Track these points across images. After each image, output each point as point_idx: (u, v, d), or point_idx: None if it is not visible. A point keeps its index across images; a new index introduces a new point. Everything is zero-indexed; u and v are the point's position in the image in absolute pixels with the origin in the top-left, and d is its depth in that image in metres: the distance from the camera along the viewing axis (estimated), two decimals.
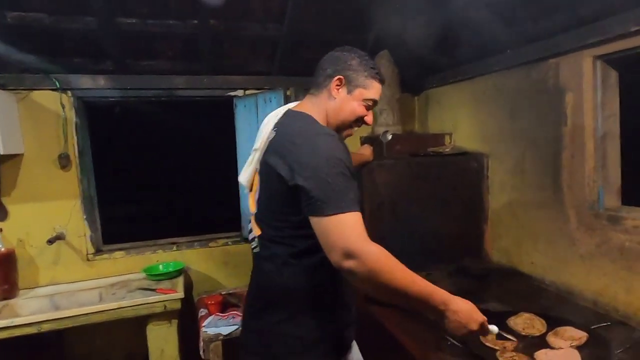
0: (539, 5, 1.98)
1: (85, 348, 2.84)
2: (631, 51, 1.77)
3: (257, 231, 1.32)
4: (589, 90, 1.97)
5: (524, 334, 1.67)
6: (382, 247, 1.09)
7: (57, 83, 2.64)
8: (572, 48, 2.00)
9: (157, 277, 2.70)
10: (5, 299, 2.42)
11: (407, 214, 2.50)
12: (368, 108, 1.39)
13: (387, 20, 2.57)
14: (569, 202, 2.12)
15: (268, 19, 2.61)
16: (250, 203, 1.38)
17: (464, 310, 1.19)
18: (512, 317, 1.76)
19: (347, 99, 1.35)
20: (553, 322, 1.72)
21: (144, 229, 3.50)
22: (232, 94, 3.05)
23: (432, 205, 2.56)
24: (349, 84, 1.34)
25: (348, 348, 1.36)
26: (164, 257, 2.97)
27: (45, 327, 2.19)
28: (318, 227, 1.11)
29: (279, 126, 1.33)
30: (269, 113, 2.72)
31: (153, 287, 2.52)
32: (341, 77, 1.33)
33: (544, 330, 1.69)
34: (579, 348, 1.54)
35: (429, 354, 1.60)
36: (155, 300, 2.37)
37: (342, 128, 1.39)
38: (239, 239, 3.15)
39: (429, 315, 1.25)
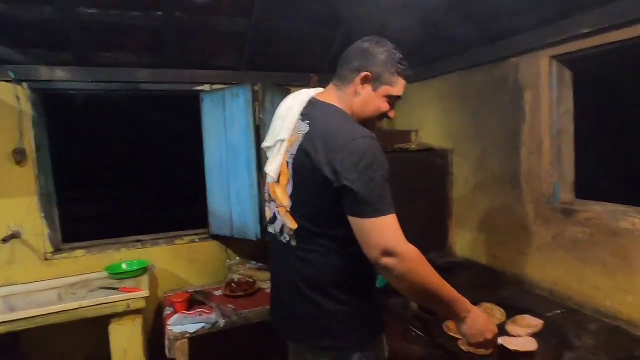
0: (501, 6, 2.04)
1: (44, 351, 2.72)
2: (584, 52, 1.86)
3: (292, 224, 1.30)
4: (545, 89, 2.05)
5: None
6: (418, 249, 1.16)
7: (12, 74, 2.52)
8: (531, 48, 2.08)
9: (121, 275, 2.62)
10: None
11: None
12: (392, 103, 1.39)
13: (357, 17, 2.60)
14: (528, 196, 2.21)
15: (236, 13, 2.57)
16: (280, 195, 1.34)
17: (481, 320, 1.28)
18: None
19: (372, 96, 1.33)
20: (512, 311, 1.79)
21: (108, 227, 3.39)
22: (199, 88, 3.00)
23: (398, 200, 2.59)
24: (375, 81, 1.31)
25: (384, 327, 1.39)
26: (128, 255, 2.89)
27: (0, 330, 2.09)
28: (359, 228, 1.15)
29: (311, 119, 1.29)
30: (236, 108, 2.76)
31: (116, 286, 2.45)
32: (368, 73, 1.30)
33: (503, 319, 1.76)
34: (535, 335, 1.62)
35: (394, 344, 1.62)
36: (117, 299, 2.30)
37: (367, 123, 1.37)
38: (206, 236, 3.10)
39: (450, 319, 1.36)
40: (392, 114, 1.40)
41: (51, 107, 2.82)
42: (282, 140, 1.33)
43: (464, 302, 1.26)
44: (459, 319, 1.27)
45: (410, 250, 1.14)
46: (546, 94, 2.06)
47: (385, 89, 1.33)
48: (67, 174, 3.18)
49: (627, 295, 1.74)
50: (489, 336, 1.29)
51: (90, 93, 2.83)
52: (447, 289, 1.22)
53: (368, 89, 1.32)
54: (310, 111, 1.33)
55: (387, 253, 1.11)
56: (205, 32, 2.66)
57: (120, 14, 2.40)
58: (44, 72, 2.61)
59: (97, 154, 4.24)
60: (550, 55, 2.01)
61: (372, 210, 1.13)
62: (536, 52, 2.07)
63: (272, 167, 1.36)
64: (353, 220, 1.17)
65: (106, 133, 4.21)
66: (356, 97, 1.33)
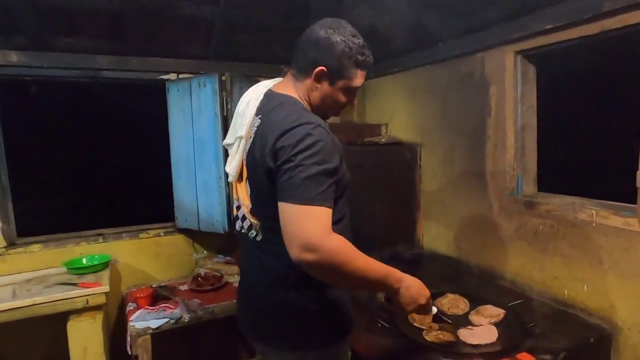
0: (468, 0, 2.06)
1: None
2: (547, 48, 1.90)
3: (256, 221, 1.27)
4: (510, 84, 2.09)
5: (449, 313, 1.76)
6: (341, 237, 1.08)
7: None
8: (496, 43, 2.12)
9: (80, 270, 2.51)
10: None
11: None
12: (352, 93, 1.33)
13: (326, 7, 2.57)
14: (492, 189, 2.25)
15: None
16: (241, 194, 1.30)
17: (414, 286, 1.26)
18: (439, 298, 1.85)
19: (330, 90, 1.27)
20: (475, 302, 1.83)
21: (68, 221, 3.24)
22: (164, 77, 2.90)
23: (368, 193, 2.61)
24: (332, 76, 1.24)
25: (352, 326, 1.35)
26: (88, 249, 2.77)
27: None
28: (282, 215, 1.08)
29: (263, 112, 1.25)
30: (203, 98, 2.69)
31: (74, 282, 2.34)
32: (323, 68, 1.23)
33: (467, 310, 1.80)
34: (497, 324, 1.66)
35: (360, 335, 1.63)
36: (75, 295, 2.20)
37: (327, 114, 1.33)
38: (172, 229, 3.02)
39: (383, 293, 1.33)
40: (354, 102, 1.36)
41: (4, 94, 2.66)
42: (241, 137, 1.29)
43: (394, 274, 1.21)
44: (393, 291, 1.23)
45: (332, 244, 1.05)
46: (511, 89, 2.10)
47: (343, 82, 1.26)
48: (22, 166, 3.01)
49: (583, 284, 1.81)
50: (423, 301, 1.28)
51: (46, 80, 2.69)
52: (376, 270, 1.16)
53: (325, 83, 1.26)
54: (264, 104, 1.28)
55: (307, 248, 1.03)
56: (169, 18, 2.57)
57: None
58: None
59: (56, 144, 4.05)
60: (515, 51, 2.05)
61: (297, 195, 1.05)
62: (501, 47, 2.11)
63: (232, 166, 1.32)
64: (279, 207, 1.09)
65: (66, 123, 4.02)
66: (313, 90, 1.28)
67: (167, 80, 2.90)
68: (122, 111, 3.95)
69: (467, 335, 1.58)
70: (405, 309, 1.29)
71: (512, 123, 2.11)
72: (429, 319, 1.51)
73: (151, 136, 3.24)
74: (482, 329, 1.63)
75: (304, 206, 1.04)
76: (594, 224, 1.75)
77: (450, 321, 1.60)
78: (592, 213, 1.75)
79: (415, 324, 1.64)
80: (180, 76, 2.92)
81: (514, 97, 2.10)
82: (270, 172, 1.13)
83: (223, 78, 2.67)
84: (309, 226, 1.04)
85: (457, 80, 2.44)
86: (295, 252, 1.05)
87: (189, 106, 2.80)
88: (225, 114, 2.68)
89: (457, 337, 1.57)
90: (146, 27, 2.58)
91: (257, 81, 1.44)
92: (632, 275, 1.62)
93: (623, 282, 1.66)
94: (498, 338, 1.56)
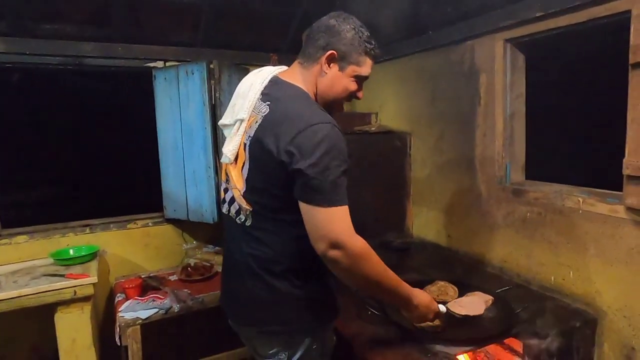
0: None
1: None
2: (536, 35, 1.90)
3: (247, 206, 1.26)
4: (500, 72, 2.09)
5: (438, 300, 1.77)
6: (364, 240, 1.14)
7: None
8: (486, 31, 2.11)
9: (67, 262, 2.48)
10: None
11: None
12: (359, 83, 1.32)
13: None
14: (481, 177, 2.27)
15: None
16: (235, 177, 1.29)
17: (423, 304, 1.33)
18: (428, 286, 1.86)
19: (338, 76, 1.27)
20: (464, 288, 1.84)
21: (55, 211, 3.19)
22: (151, 65, 2.85)
23: (357, 182, 2.60)
24: (342, 60, 1.25)
25: (338, 312, 1.38)
26: (75, 240, 2.74)
27: None
28: (308, 215, 1.12)
29: (272, 99, 1.24)
30: (191, 86, 2.65)
31: (62, 273, 2.31)
32: (334, 51, 1.23)
33: (455, 296, 1.81)
34: (485, 310, 1.67)
35: (350, 322, 1.64)
36: (63, 286, 2.18)
37: (333, 104, 1.32)
38: (161, 219, 2.99)
39: (394, 304, 1.39)
40: (360, 94, 1.35)
41: None
42: (242, 120, 1.28)
43: (405, 288, 1.29)
44: (402, 303, 1.31)
45: (357, 243, 1.12)
46: (500, 77, 2.10)
47: (352, 69, 1.27)
48: (6, 156, 2.95)
49: (569, 271, 1.84)
50: (430, 317, 1.37)
51: (29, 67, 2.62)
52: (390, 279, 1.23)
53: (334, 68, 1.26)
54: (272, 91, 1.27)
55: (335, 245, 1.09)
56: (156, 3, 2.52)
57: None
58: None
59: (40, 133, 3.96)
60: (505, 39, 2.05)
61: (323, 200, 1.10)
62: (491, 35, 2.10)
63: (230, 148, 1.30)
64: (303, 206, 1.13)
65: (50, 111, 3.93)
66: (321, 76, 1.27)
67: (154, 68, 2.85)
68: (108, 100, 3.88)
69: (455, 306, 1.63)
70: (414, 323, 1.38)
71: (502, 111, 2.11)
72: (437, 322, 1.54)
73: (139, 125, 3.19)
74: (470, 300, 1.67)
75: (333, 208, 1.10)
76: (580, 211, 1.77)
77: (460, 315, 1.62)
78: (579, 200, 1.77)
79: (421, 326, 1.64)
80: (168, 64, 2.87)
81: (503, 85, 2.10)
82: (282, 165, 1.13)
83: (211, 66, 2.63)
84: (337, 226, 1.11)
85: (447, 68, 2.44)
86: (322, 248, 1.11)
87: (176, 95, 2.75)
88: (213, 103, 2.65)
89: (445, 324, 1.58)
90: (132, 12, 2.53)
91: (247, 70, 1.42)
92: (617, 261, 1.65)
93: (608, 268, 1.69)
94: (484, 313, 1.62)
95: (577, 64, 2.50)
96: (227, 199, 1.35)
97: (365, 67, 1.29)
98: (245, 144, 1.26)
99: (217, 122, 1.46)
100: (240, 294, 1.34)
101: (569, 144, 2.78)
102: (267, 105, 1.23)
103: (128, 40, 2.71)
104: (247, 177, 1.25)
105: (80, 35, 2.59)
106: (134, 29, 2.65)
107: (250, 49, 3.06)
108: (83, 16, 2.50)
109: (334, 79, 1.27)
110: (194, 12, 2.66)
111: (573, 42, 2.04)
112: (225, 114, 1.37)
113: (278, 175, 1.15)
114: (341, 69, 1.26)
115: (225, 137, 1.36)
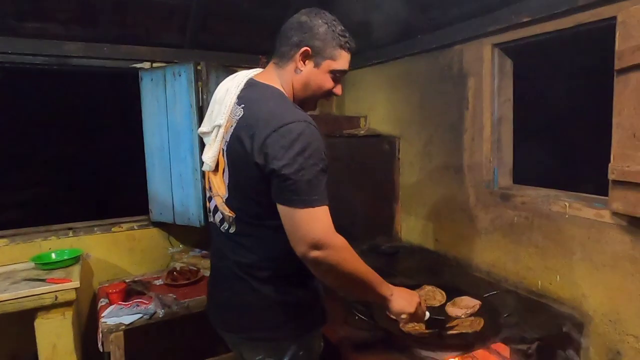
0: None
1: None
2: (523, 40, 1.91)
3: (230, 213, 1.23)
4: (487, 76, 2.10)
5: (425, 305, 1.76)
6: (345, 240, 1.12)
7: None
8: (474, 35, 2.12)
9: (49, 266, 2.42)
10: None
11: None
12: (337, 79, 1.28)
13: None
14: (469, 182, 2.27)
15: None
16: (216, 184, 1.26)
17: (402, 296, 1.31)
18: (416, 290, 1.84)
19: (314, 72, 1.24)
20: (452, 293, 1.84)
21: (37, 214, 3.12)
22: (138, 65, 2.81)
23: (346, 186, 2.60)
24: (316, 56, 1.22)
25: (325, 318, 1.35)
26: (58, 244, 2.67)
27: None
28: (286, 217, 1.10)
29: (246, 102, 1.21)
30: (178, 87, 2.61)
31: (43, 277, 2.25)
32: (307, 48, 1.21)
33: (443, 301, 1.81)
34: (473, 315, 1.67)
35: (337, 327, 1.62)
36: (43, 291, 2.12)
37: (310, 102, 1.30)
38: (146, 223, 2.94)
39: (376, 302, 1.37)
40: (337, 90, 1.31)
41: None
42: (219, 126, 1.24)
43: (386, 285, 1.28)
44: (383, 298, 1.28)
45: (338, 242, 1.10)
46: (488, 81, 2.11)
47: (327, 64, 1.24)
48: None
49: (556, 275, 1.84)
50: (412, 309, 1.32)
51: (12, 67, 2.56)
52: (372, 276, 1.22)
53: (309, 65, 1.23)
54: (247, 93, 1.24)
55: (314, 246, 1.07)
56: (143, 3, 2.48)
57: None
58: None
59: (23, 135, 3.88)
60: (493, 43, 2.06)
61: (300, 200, 1.07)
62: (479, 39, 2.11)
63: (209, 155, 1.28)
64: (280, 209, 1.10)
65: (34, 112, 3.85)
66: (297, 74, 1.24)
67: (141, 69, 2.81)
68: (93, 101, 3.81)
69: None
70: (397, 318, 1.33)
71: (489, 115, 2.12)
72: (420, 326, 1.53)
73: (124, 127, 3.14)
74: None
75: (311, 209, 1.07)
76: (567, 216, 1.78)
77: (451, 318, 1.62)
78: (566, 205, 1.78)
79: (392, 316, 1.63)
80: (155, 65, 2.84)
81: (491, 89, 2.11)
82: (258, 167, 1.10)
83: (198, 67, 2.60)
84: (317, 226, 1.08)
85: (436, 72, 2.44)
86: (302, 250, 1.08)
87: (163, 96, 2.71)
88: (201, 105, 2.61)
89: (431, 328, 1.57)
90: (118, 12, 2.49)
91: (234, 71, 1.39)
92: (602, 265, 1.66)
93: (594, 272, 1.69)
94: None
95: (563, 69, 2.52)
96: (212, 208, 1.33)
97: (341, 61, 1.26)
98: (223, 150, 1.24)
99: (198, 130, 1.43)
100: (227, 300, 1.32)
101: (556, 149, 2.80)
102: (242, 108, 1.21)
103: (114, 41, 2.67)
104: (228, 184, 1.23)
105: (65, 35, 2.54)
106: (120, 29, 2.61)
107: (239, 51, 3.03)
108: (68, 15, 2.45)
109: (310, 76, 1.25)
110: (182, 13, 2.63)
111: (560, 48, 2.05)
112: (204, 121, 1.34)
113: (256, 178, 1.13)
114: (316, 65, 1.24)
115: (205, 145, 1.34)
